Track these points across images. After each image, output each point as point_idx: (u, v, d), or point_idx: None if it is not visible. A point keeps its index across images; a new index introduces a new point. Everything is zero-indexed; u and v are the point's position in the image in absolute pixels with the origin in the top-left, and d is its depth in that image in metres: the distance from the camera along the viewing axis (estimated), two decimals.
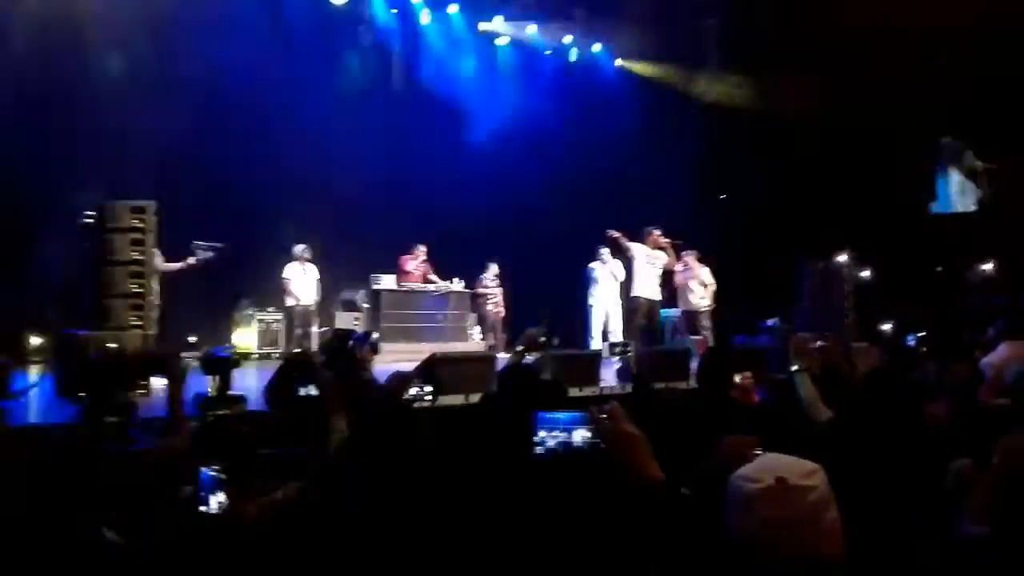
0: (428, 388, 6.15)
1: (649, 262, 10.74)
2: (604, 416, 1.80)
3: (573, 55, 15.83)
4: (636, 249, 10.76)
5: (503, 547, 2.14)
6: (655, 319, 11.04)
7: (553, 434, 1.89)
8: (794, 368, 4.11)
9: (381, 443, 2.27)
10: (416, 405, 5.46)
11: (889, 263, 12.17)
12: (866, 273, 11.46)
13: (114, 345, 6.16)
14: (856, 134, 13.04)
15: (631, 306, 10.91)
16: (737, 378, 5.49)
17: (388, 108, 13.26)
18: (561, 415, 1.89)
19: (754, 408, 5.15)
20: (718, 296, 11.81)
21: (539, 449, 1.88)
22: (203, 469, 2.26)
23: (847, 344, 7.93)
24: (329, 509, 2.31)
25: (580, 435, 1.90)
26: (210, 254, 8.47)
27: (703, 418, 3.94)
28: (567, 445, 1.89)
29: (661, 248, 10.85)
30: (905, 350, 7.94)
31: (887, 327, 11.10)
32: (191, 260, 8.34)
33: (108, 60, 10.55)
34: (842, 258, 11.30)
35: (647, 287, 10.71)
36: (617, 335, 11.34)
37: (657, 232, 10.78)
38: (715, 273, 11.94)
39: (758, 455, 2.33)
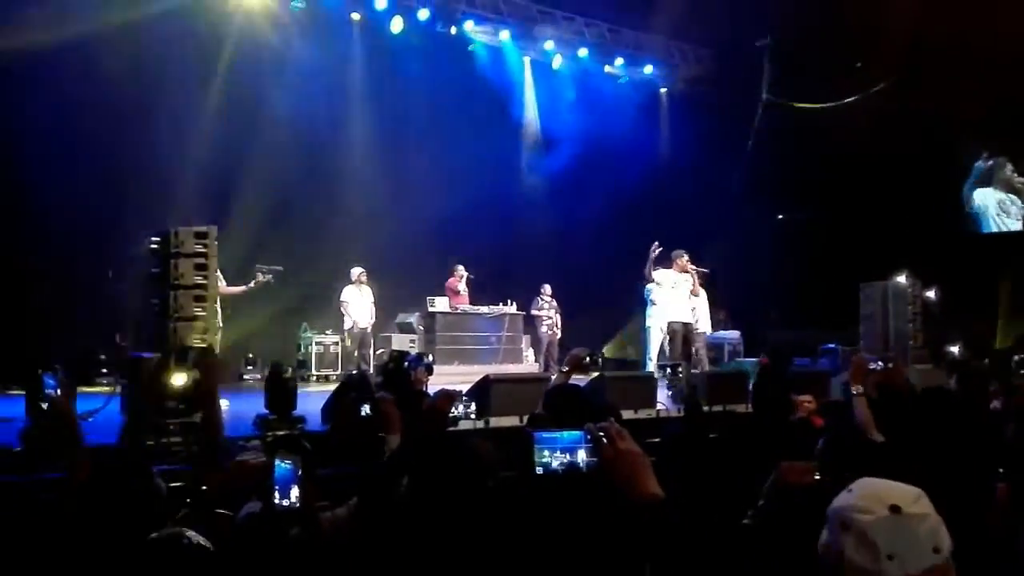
0: (473, 406, 6.18)
1: (673, 286, 10.56)
2: (601, 434, 1.79)
3: (622, 76, 15.85)
4: (661, 275, 10.57)
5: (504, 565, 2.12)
6: (691, 343, 10.82)
7: (556, 454, 1.87)
8: (853, 391, 4.03)
9: (423, 461, 2.28)
10: (462, 424, 5.49)
11: (953, 282, 11.84)
12: (931, 293, 11.14)
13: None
14: (913, 153, 12.78)
15: (668, 331, 10.66)
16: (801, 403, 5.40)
17: (442, 133, 13.42)
18: (561, 434, 1.87)
19: (817, 431, 5.05)
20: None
21: (539, 469, 1.87)
22: (278, 462, 2.30)
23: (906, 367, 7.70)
24: (379, 526, 2.33)
25: (582, 455, 1.88)
26: (270, 277, 8.66)
27: (762, 442, 3.87)
28: (570, 465, 1.87)
29: (687, 272, 10.63)
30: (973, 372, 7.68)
31: (954, 349, 10.79)
32: (252, 283, 8.55)
33: (166, 93, 10.92)
34: (902, 278, 11.02)
35: (677, 311, 10.56)
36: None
37: (685, 258, 10.62)
38: (768, 295, 11.74)
39: (817, 480, 2.28)
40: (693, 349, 10.62)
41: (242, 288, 8.42)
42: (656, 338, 11.45)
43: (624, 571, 2.02)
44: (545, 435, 1.83)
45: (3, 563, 2.57)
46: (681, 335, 10.46)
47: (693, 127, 15.04)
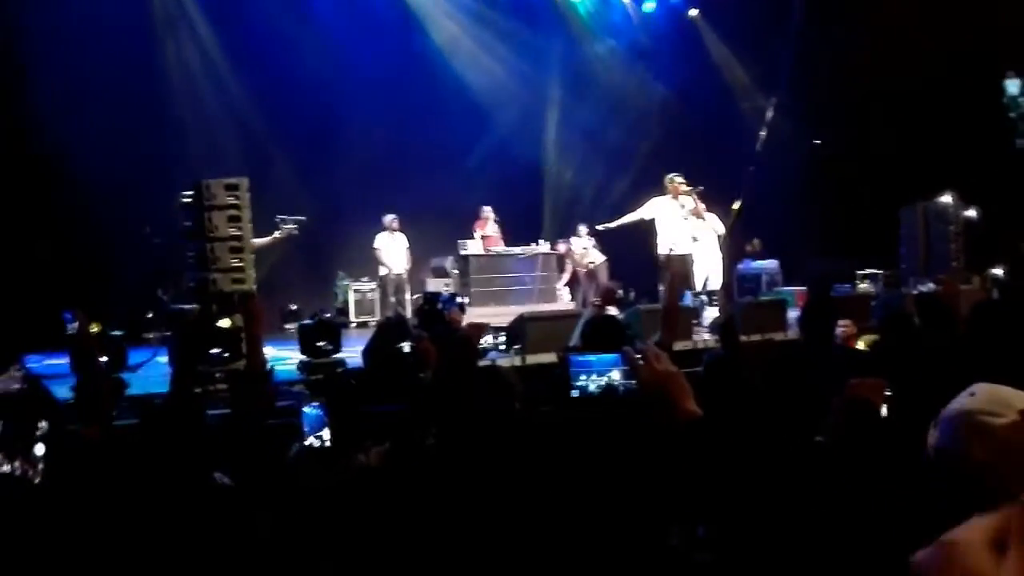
0: (503, 337, 6.21)
1: (674, 213, 9.79)
2: (638, 356, 1.78)
3: (649, 6, 15.40)
4: (652, 207, 9.87)
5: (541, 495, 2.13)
6: (688, 276, 9.87)
7: (592, 377, 1.87)
8: None
9: (454, 387, 2.30)
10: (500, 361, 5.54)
11: (996, 202, 11.51)
12: (972, 212, 10.85)
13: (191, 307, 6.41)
14: (952, 70, 12.33)
15: (662, 264, 9.92)
16: (839, 328, 5.36)
17: (463, 73, 13.26)
18: (594, 358, 1.87)
19: (859, 354, 5.02)
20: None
21: (575, 393, 1.87)
22: (305, 408, 2.36)
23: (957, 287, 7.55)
24: (412, 467, 2.36)
25: (617, 377, 1.88)
26: (294, 227, 8.69)
27: (808, 367, 3.84)
28: (607, 387, 1.87)
29: (684, 195, 9.87)
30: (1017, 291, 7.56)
31: (998, 271, 10.55)
32: (276, 234, 8.54)
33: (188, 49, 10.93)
34: (946, 199, 10.75)
35: (673, 242, 9.75)
36: (715, 286, 10.90)
37: (679, 180, 9.87)
38: (811, 221, 11.44)
39: (888, 395, 2.28)
40: (694, 279, 9.93)
41: (267, 240, 8.46)
42: (696, 272, 11.07)
43: (660, 493, 2.04)
44: (580, 359, 1.84)
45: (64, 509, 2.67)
46: (676, 266, 9.62)
47: (721, 52, 14.66)
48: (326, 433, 2.35)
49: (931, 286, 4.58)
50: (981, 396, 1.61)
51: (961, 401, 1.61)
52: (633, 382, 1.82)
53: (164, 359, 7.12)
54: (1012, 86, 12.30)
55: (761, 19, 14.29)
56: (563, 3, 14.62)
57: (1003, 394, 1.60)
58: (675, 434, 1.73)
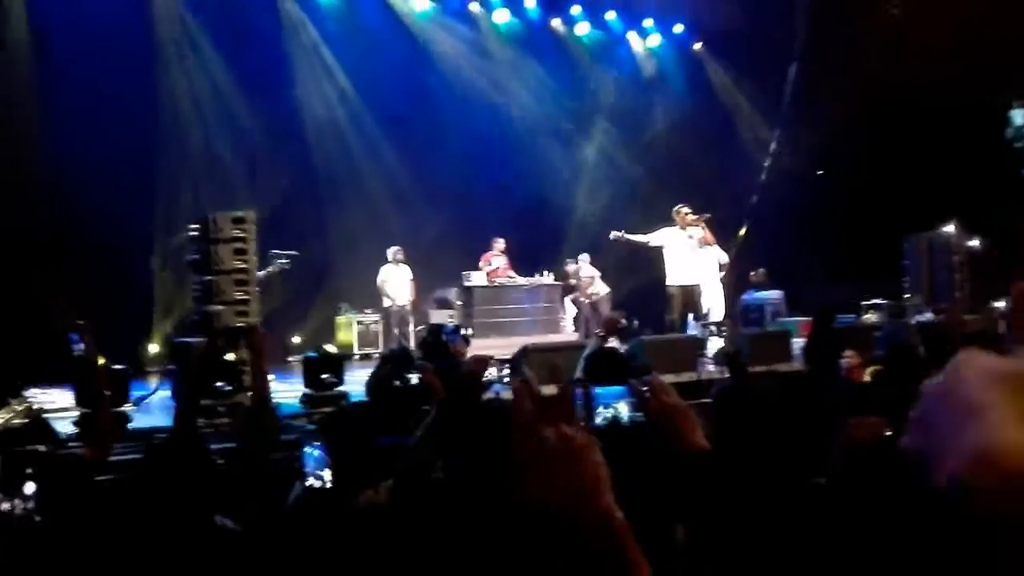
0: (507, 369, 6.20)
1: (682, 244, 9.87)
2: (646, 389, 1.78)
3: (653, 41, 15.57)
4: (661, 236, 9.97)
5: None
6: (696, 307, 10.03)
7: (598, 410, 1.86)
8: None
9: (455, 426, 2.28)
10: (496, 388, 5.51)
11: (1000, 232, 11.52)
12: (975, 242, 10.85)
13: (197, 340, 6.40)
14: (958, 100, 12.40)
15: (667, 295, 9.93)
16: (843, 359, 5.34)
17: (467, 104, 13.38)
18: (601, 390, 1.86)
19: (863, 386, 4.98)
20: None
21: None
22: (306, 449, 2.34)
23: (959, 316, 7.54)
24: (417, 505, 2.33)
25: (624, 409, 1.86)
26: (286, 262, 8.67)
27: (814, 399, 3.82)
28: (613, 420, 1.86)
29: (692, 225, 9.93)
30: None
31: (1001, 303, 10.51)
32: (269, 268, 8.48)
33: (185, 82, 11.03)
34: (949, 228, 10.76)
35: (681, 273, 9.83)
36: (717, 317, 10.94)
37: (685, 210, 9.95)
38: (815, 251, 11.46)
39: (888, 435, 2.25)
40: (702, 310, 10.04)
41: (261, 275, 8.44)
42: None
43: (663, 526, 2.01)
44: (583, 391, 1.83)
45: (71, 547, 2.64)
46: (680, 299, 9.79)
47: (725, 83, 14.80)
48: (327, 474, 2.32)
49: (933, 316, 4.58)
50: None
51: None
52: (640, 414, 1.81)
53: (167, 392, 7.09)
54: (1018, 116, 12.37)
55: (765, 52, 14.44)
56: (568, 37, 14.79)
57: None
58: (683, 467, 1.71)
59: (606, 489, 1.05)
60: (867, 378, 5.44)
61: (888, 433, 2.33)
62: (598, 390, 1.86)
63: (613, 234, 10.17)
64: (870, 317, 11.32)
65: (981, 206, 11.41)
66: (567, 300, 12.57)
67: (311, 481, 2.32)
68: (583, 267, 12.68)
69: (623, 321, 5.73)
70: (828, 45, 13.95)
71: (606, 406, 1.88)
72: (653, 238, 10.05)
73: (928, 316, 9.28)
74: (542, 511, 1.03)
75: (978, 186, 12.02)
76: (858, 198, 13.16)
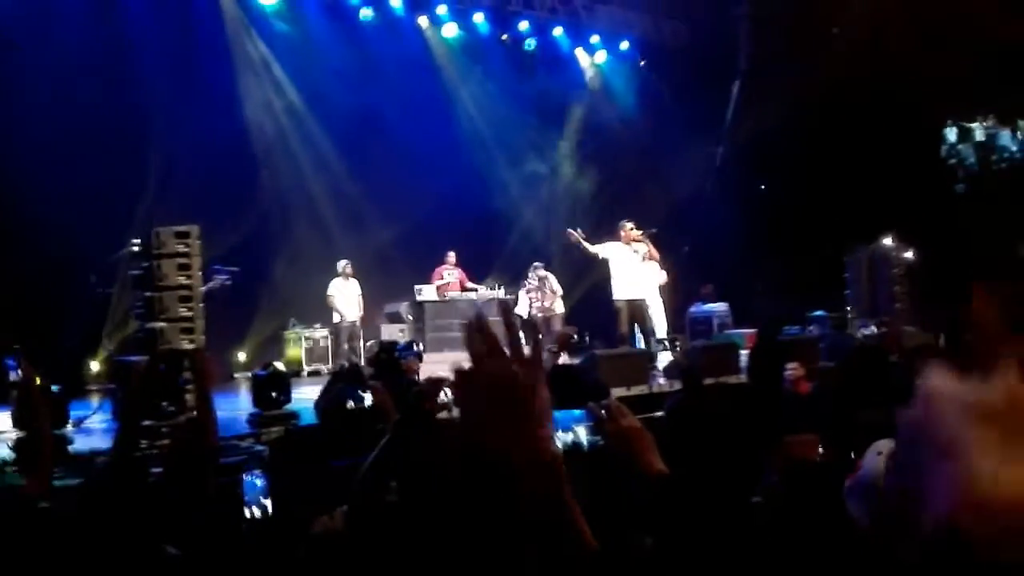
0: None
1: (627, 258, 10.00)
2: (603, 412, 1.78)
3: (600, 57, 15.74)
4: (607, 249, 10.05)
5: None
6: (644, 321, 10.14)
7: (556, 434, 1.85)
8: None
9: (407, 447, 2.24)
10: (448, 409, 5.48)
11: (937, 243, 11.88)
12: (909, 254, 11.17)
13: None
14: (890, 114, 12.82)
15: (614, 309, 10.03)
16: (787, 371, 5.43)
17: (416, 118, 13.36)
18: (559, 414, 1.84)
19: (806, 399, 5.07)
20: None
21: None
22: (246, 477, 2.28)
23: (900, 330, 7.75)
24: (373, 530, 2.30)
25: (582, 433, 1.85)
26: (227, 278, 8.49)
27: (757, 412, 3.87)
28: (572, 444, 1.85)
29: (637, 241, 10.08)
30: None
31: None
32: (211, 284, 8.28)
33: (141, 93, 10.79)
34: (887, 241, 11.07)
35: (627, 288, 9.93)
36: (661, 332, 11.06)
37: (630, 226, 10.08)
38: (760, 263, 11.67)
39: (822, 454, 2.28)
40: (649, 324, 10.16)
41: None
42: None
43: (624, 547, 2.01)
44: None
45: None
46: (626, 312, 9.91)
47: (670, 99, 15.01)
48: (268, 503, 2.27)
49: (874, 329, 4.68)
50: None
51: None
52: (598, 438, 1.80)
53: (107, 415, 6.90)
54: (951, 134, 12.83)
55: (709, 69, 14.72)
56: (516, 52, 14.86)
57: None
58: (639, 490, 1.71)
59: (546, 422, 1.09)
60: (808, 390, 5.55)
61: (821, 451, 2.37)
62: (556, 414, 1.84)
63: (570, 231, 10.23)
64: (813, 330, 11.56)
65: (918, 219, 11.77)
66: (523, 294, 12.39)
67: (253, 510, 2.26)
68: (552, 281, 12.56)
69: (575, 337, 5.75)
70: (771, 62, 14.30)
71: (565, 430, 1.86)
72: (601, 250, 10.14)
73: (871, 329, 9.52)
74: (485, 449, 1.06)
75: (915, 200, 12.41)
76: (802, 212, 13.46)
